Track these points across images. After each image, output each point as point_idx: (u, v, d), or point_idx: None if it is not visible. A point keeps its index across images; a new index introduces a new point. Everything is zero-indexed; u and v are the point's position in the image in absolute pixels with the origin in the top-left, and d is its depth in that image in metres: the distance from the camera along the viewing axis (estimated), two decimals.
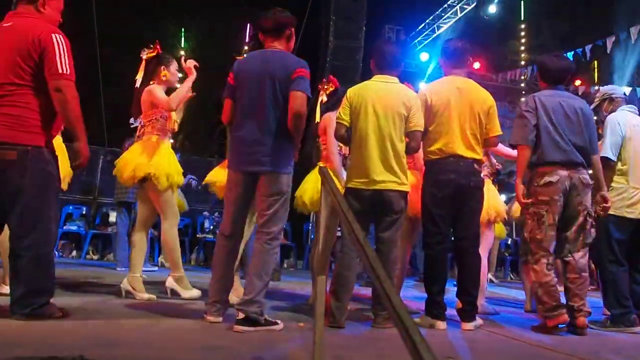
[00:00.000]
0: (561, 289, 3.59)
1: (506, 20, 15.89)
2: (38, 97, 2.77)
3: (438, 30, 13.81)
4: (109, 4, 12.67)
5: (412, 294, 5.35)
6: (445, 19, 13.54)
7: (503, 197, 5.15)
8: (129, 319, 3.04)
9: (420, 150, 3.59)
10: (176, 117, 4.11)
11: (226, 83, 3.19)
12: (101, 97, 10.62)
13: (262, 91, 3.00)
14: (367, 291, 4.61)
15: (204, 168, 10.37)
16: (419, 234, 4.15)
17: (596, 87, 12.26)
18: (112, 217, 8.95)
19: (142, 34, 13.20)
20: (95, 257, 8.78)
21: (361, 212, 3.19)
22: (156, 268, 6.83)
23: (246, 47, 13.74)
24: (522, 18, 16.77)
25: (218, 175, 4.04)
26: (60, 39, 2.78)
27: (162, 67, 4.05)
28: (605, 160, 3.84)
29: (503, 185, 6.79)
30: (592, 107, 4.16)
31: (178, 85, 4.11)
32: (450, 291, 3.67)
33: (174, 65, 4.12)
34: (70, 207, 9.21)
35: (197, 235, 9.40)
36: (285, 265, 9.40)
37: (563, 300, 3.49)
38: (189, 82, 3.90)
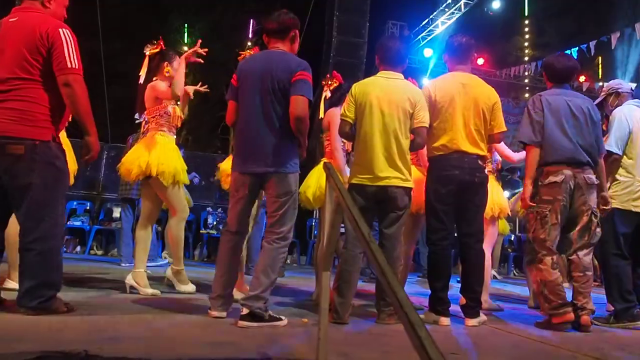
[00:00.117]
0: (566, 285, 3.59)
1: (510, 16, 15.85)
2: (45, 91, 2.78)
3: (442, 26, 13.77)
4: None
5: (416, 290, 5.35)
6: (448, 15, 13.50)
7: (506, 194, 5.15)
8: (134, 314, 3.05)
9: (424, 149, 3.59)
10: (180, 112, 4.11)
11: (229, 84, 3.20)
12: (104, 93, 10.63)
13: (264, 92, 3.00)
14: (370, 287, 4.61)
15: (207, 164, 10.41)
16: (422, 230, 4.14)
17: (600, 84, 12.24)
18: (116, 212, 8.98)
19: (147, 29, 13.21)
20: (99, 253, 8.82)
21: (365, 208, 3.19)
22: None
23: (249, 43, 13.75)
24: (526, 14, 16.73)
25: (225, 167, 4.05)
26: (67, 33, 2.79)
27: (165, 63, 4.05)
28: (610, 154, 3.83)
29: (507, 181, 6.78)
30: (597, 101, 4.15)
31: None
32: (454, 287, 3.67)
33: (177, 61, 4.11)
34: (74, 203, 9.25)
35: (201, 231, 9.42)
36: (288, 261, 9.42)
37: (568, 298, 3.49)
38: (182, 67, 3.86)
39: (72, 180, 3.67)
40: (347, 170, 3.79)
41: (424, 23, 14.25)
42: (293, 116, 2.93)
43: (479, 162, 3.46)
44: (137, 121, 4.14)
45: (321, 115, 4.28)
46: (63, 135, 3.38)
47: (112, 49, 11.38)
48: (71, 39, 2.80)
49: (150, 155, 3.79)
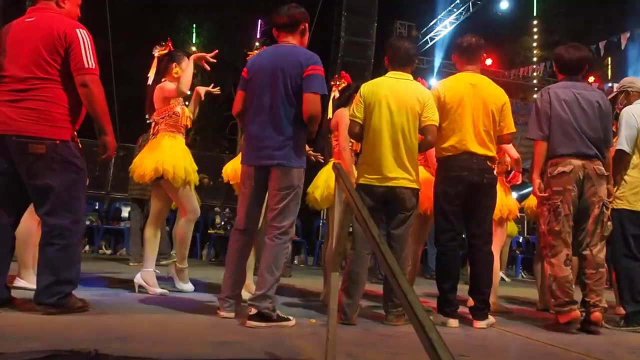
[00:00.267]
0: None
1: (518, 16, 15.78)
2: (63, 91, 2.82)
3: (450, 26, 13.73)
4: None
5: (424, 292, 5.34)
6: (457, 15, 13.46)
7: (514, 195, 5.13)
8: (143, 314, 3.06)
9: (432, 150, 3.58)
10: (189, 113, 4.12)
11: (240, 77, 3.21)
12: (113, 93, 10.68)
13: (274, 86, 3.01)
14: (378, 288, 4.60)
15: (215, 163, 10.42)
16: (430, 231, 4.13)
17: (610, 84, 12.16)
18: (125, 212, 9.02)
19: (156, 28, 13.26)
20: (107, 252, 8.86)
21: (373, 208, 3.18)
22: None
23: (257, 43, 13.77)
24: (535, 14, 16.65)
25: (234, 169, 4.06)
26: (84, 34, 2.83)
27: (174, 64, 4.07)
28: (621, 153, 3.81)
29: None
30: (610, 97, 4.14)
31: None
32: (463, 289, 3.66)
33: (185, 62, 4.12)
34: None
35: (208, 231, 9.44)
36: (296, 262, 9.42)
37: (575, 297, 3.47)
38: (190, 66, 3.88)
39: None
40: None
41: (432, 23, 14.21)
42: (307, 115, 2.95)
43: (488, 163, 3.45)
44: (148, 121, 4.15)
45: (329, 115, 4.28)
46: None
47: (119, 49, 11.43)
48: (88, 39, 2.84)
49: (160, 156, 3.81)
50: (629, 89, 4.11)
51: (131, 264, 6.50)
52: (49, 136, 2.74)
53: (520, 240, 10.80)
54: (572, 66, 3.71)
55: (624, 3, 13.96)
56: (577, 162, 3.47)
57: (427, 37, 14.37)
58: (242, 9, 15.69)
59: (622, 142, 3.83)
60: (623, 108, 4.02)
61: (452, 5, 13.44)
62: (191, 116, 4.15)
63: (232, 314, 3.02)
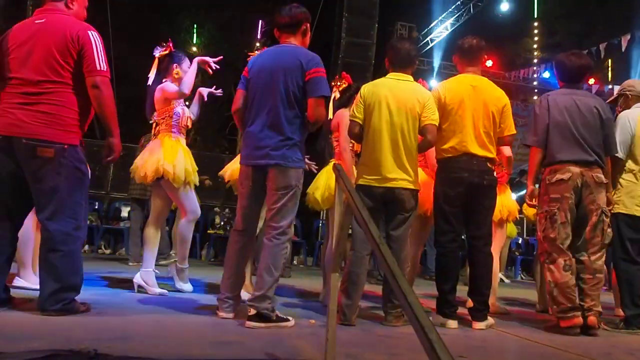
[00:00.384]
0: None
1: (519, 18, 15.79)
2: (74, 95, 2.82)
3: (451, 27, 13.74)
4: None
5: (423, 292, 5.34)
6: (457, 17, 13.47)
7: (514, 196, 5.13)
8: (142, 314, 3.06)
9: (432, 148, 3.58)
10: (189, 113, 4.13)
11: (241, 76, 3.21)
12: (115, 93, 10.68)
13: (274, 86, 3.01)
14: (377, 289, 4.61)
15: (215, 164, 10.42)
16: (430, 232, 4.13)
17: (610, 86, 12.17)
18: (124, 212, 9.02)
19: (156, 29, 13.25)
20: (107, 252, 8.86)
21: (372, 209, 3.18)
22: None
23: (258, 44, 13.77)
24: (535, 16, 16.65)
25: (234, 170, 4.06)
26: (96, 36, 2.85)
27: (174, 65, 4.07)
28: (615, 158, 3.81)
29: (516, 184, 6.76)
30: (610, 100, 4.14)
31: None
32: (462, 290, 3.66)
33: (186, 63, 4.13)
34: None
35: (208, 231, 9.44)
36: (295, 262, 9.42)
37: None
38: (194, 68, 3.90)
39: None
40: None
41: (432, 25, 14.22)
42: (312, 119, 2.99)
43: (488, 164, 3.46)
44: (150, 122, 4.16)
45: (330, 116, 4.28)
46: None
47: (120, 49, 11.44)
48: (99, 41, 2.85)
49: (161, 157, 3.81)
50: (627, 93, 4.11)
51: (130, 263, 6.50)
52: (59, 140, 2.75)
53: (520, 241, 10.80)
54: (573, 74, 3.71)
55: (625, 5, 13.97)
56: (576, 170, 3.47)
57: (428, 39, 14.38)
58: (243, 9, 15.69)
59: (616, 148, 3.84)
60: (621, 112, 4.03)
61: (452, 7, 13.45)
62: (192, 117, 4.16)
63: (231, 315, 3.02)
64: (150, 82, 4.06)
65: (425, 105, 3.33)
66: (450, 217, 3.42)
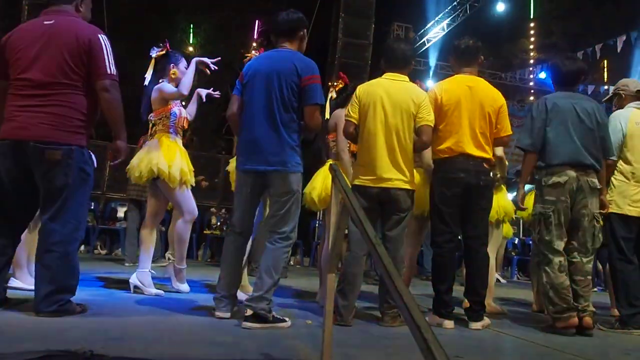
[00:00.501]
0: None
1: (515, 18, 15.83)
2: (82, 97, 2.82)
3: (447, 28, 13.77)
4: None
5: (420, 293, 5.35)
6: (454, 17, 13.50)
7: (510, 197, 5.14)
8: (138, 314, 3.06)
9: (428, 151, 3.59)
10: (186, 114, 4.13)
11: (237, 82, 3.21)
12: None
13: (270, 91, 3.01)
14: (373, 289, 4.61)
15: (211, 164, 10.43)
16: (426, 232, 4.14)
17: (605, 87, 12.20)
18: (121, 212, 9.01)
19: (152, 29, 13.23)
20: (103, 252, 8.85)
21: (368, 209, 3.18)
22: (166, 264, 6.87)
23: (254, 44, 13.76)
24: (532, 17, 16.70)
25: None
26: (105, 39, 2.86)
27: (171, 65, 4.07)
28: (610, 161, 3.83)
29: (512, 184, 6.76)
30: (606, 98, 4.16)
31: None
32: (458, 290, 3.66)
33: (183, 63, 4.13)
34: None
35: (204, 232, 9.43)
36: (292, 263, 9.43)
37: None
38: (192, 69, 3.90)
39: None
40: None
41: (429, 25, 14.25)
42: (308, 127, 3.01)
43: (485, 165, 3.46)
44: (144, 121, 4.15)
45: (327, 116, 4.29)
46: None
47: (117, 49, 11.40)
48: (108, 45, 2.86)
49: (157, 157, 3.81)
50: (621, 92, 4.13)
51: (127, 264, 6.49)
52: (67, 142, 2.75)
53: (516, 241, 10.83)
54: (568, 78, 3.73)
55: (621, 6, 14.02)
56: (572, 174, 3.48)
57: (424, 39, 14.41)
58: (240, 9, 15.69)
59: None
60: (615, 111, 4.05)
61: (449, 8, 13.48)
62: (188, 117, 4.16)
63: (228, 315, 3.01)
64: (147, 82, 4.06)
65: (421, 105, 3.33)
66: (446, 217, 3.43)
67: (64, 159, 2.73)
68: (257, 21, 14.84)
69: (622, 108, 4.05)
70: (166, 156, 3.82)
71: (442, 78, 3.99)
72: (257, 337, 2.59)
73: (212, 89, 4.44)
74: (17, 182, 2.78)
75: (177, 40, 15.04)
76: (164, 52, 4.11)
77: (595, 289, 5.92)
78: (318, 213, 8.08)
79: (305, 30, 3.21)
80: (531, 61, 16.40)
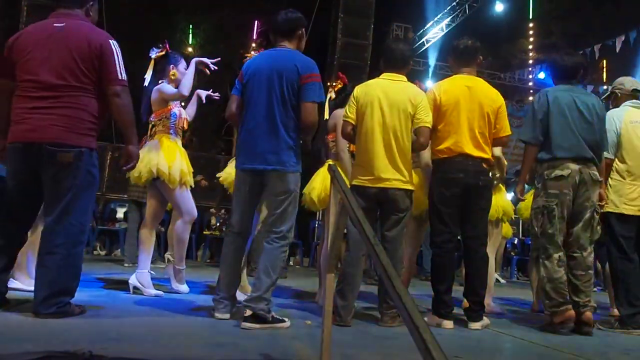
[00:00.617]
0: None
1: (514, 19, 15.84)
2: (92, 100, 2.83)
3: (446, 28, 13.77)
4: None
5: (419, 293, 5.35)
6: (453, 17, 13.50)
7: (509, 196, 5.15)
8: (137, 315, 3.06)
9: (426, 150, 3.60)
10: (186, 115, 4.13)
11: (236, 81, 3.21)
12: None
13: (270, 90, 3.01)
14: (373, 289, 4.61)
15: (211, 165, 10.43)
16: (426, 232, 4.14)
17: (605, 87, 12.20)
18: (120, 213, 9.01)
19: (151, 29, 13.21)
20: (102, 253, 8.84)
21: (367, 209, 3.18)
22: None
23: (254, 44, 13.76)
24: (531, 17, 16.70)
25: (229, 173, 4.06)
26: (116, 45, 2.87)
27: (171, 66, 4.07)
28: (606, 157, 3.84)
29: (511, 184, 6.77)
30: (604, 96, 4.17)
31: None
32: (458, 290, 3.67)
33: (182, 64, 4.13)
34: None
35: (204, 232, 9.43)
36: (291, 263, 9.42)
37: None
38: (192, 69, 3.91)
39: None
40: None
41: (428, 25, 14.25)
42: (305, 124, 2.98)
43: (484, 165, 3.46)
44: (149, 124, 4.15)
45: (326, 116, 4.29)
46: None
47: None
48: (119, 50, 2.87)
49: (156, 157, 3.81)
50: (617, 91, 4.15)
51: (126, 264, 6.49)
52: (77, 144, 2.75)
53: (515, 241, 10.83)
54: (567, 72, 3.74)
55: (620, 6, 14.03)
56: (575, 167, 3.49)
57: (424, 39, 14.41)
58: (239, 9, 15.67)
59: None
60: (611, 110, 4.06)
61: (448, 8, 13.48)
62: (188, 118, 4.16)
63: (227, 315, 3.01)
64: (146, 83, 4.06)
65: (419, 106, 3.33)
66: (445, 217, 3.43)
67: (74, 162, 2.73)
68: (256, 21, 14.86)
69: (618, 106, 4.07)
70: (166, 157, 3.82)
71: (441, 78, 3.99)
72: (257, 337, 2.59)
73: (211, 90, 4.44)
74: (24, 183, 2.78)
75: (177, 41, 15.03)
76: (163, 52, 4.11)
77: (595, 289, 5.92)
78: (317, 213, 8.08)
79: (303, 30, 3.22)
80: (530, 61, 16.40)
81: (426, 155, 3.69)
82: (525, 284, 8.02)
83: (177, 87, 3.95)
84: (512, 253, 10.41)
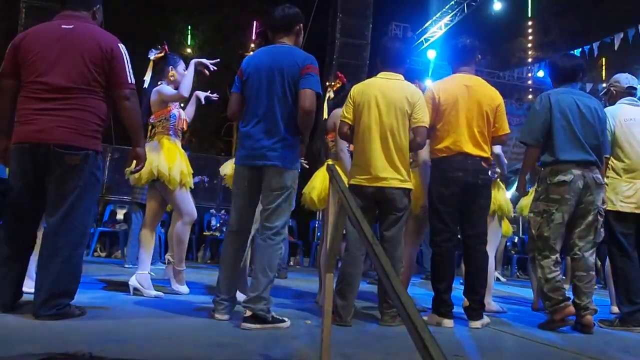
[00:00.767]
0: (566, 286, 3.59)
1: (513, 17, 15.84)
2: (100, 102, 2.84)
3: (445, 27, 13.77)
4: None
5: (419, 292, 5.35)
6: (451, 17, 13.50)
7: (509, 195, 5.15)
8: (137, 316, 3.05)
9: (425, 148, 3.60)
10: (185, 116, 4.13)
11: (235, 78, 3.21)
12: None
13: (270, 86, 3.01)
14: (373, 289, 4.61)
15: (210, 165, 10.42)
16: (426, 231, 4.14)
17: (604, 85, 12.20)
18: (120, 214, 9.00)
19: (150, 30, 13.20)
20: (102, 255, 8.84)
21: (365, 208, 3.18)
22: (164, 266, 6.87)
23: (252, 45, 13.78)
24: (530, 15, 16.70)
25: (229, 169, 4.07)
26: (124, 49, 2.88)
27: (170, 68, 4.08)
28: (606, 158, 3.84)
29: (511, 182, 6.77)
30: (602, 92, 4.17)
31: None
32: (457, 289, 3.67)
33: (181, 65, 4.14)
34: None
35: (204, 233, 9.43)
36: (291, 263, 9.42)
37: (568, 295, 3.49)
38: (191, 70, 3.91)
39: None
40: None
41: (427, 24, 14.24)
42: (302, 110, 2.94)
43: (483, 163, 3.46)
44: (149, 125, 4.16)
45: (325, 116, 4.29)
46: None
47: None
48: (127, 54, 2.88)
49: (156, 159, 3.81)
50: (612, 89, 4.16)
51: (127, 265, 6.48)
52: (85, 146, 2.76)
53: (516, 240, 10.83)
54: (567, 74, 3.75)
55: (618, 3, 14.03)
56: (577, 172, 3.49)
57: (422, 38, 14.40)
58: (237, 10, 15.68)
59: None
60: (607, 108, 4.06)
61: (446, 7, 13.48)
62: (187, 119, 4.16)
63: (227, 316, 3.01)
64: (146, 85, 4.06)
65: (416, 105, 3.32)
66: (445, 216, 3.43)
67: (80, 164, 2.74)
68: (255, 22, 14.87)
69: (614, 104, 4.07)
70: (167, 158, 3.83)
71: (440, 77, 3.99)
72: (257, 337, 2.59)
73: (209, 91, 4.45)
74: (29, 184, 2.78)
75: (175, 42, 15.03)
76: (162, 54, 4.12)
77: (595, 286, 5.92)
78: (318, 213, 8.08)
79: (301, 25, 3.22)
80: (529, 60, 16.40)
81: (424, 152, 3.70)
82: (526, 282, 8.03)
83: (176, 89, 3.95)
84: (512, 251, 10.41)
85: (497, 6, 13.44)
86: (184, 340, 2.47)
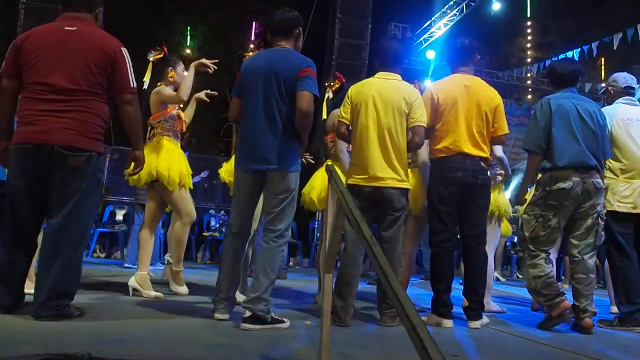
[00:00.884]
0: (565, 286, 3.59)
1: (512, 17, 15.85)
2: (102, 104, 2.84)
3: (444, 27, 13.78)
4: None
5: (418, 292, 5.35)
6: (451, 17, 13.51)
7: (508, 195, 5.15)
8: (137, 317, 3.05)
9: (423, 148, 3.60)
10: (185, 117, 4.13)
11: (234, 82, 3.21)
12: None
13: (268, 89, 3.01)
14: (372, 289, 4.61)
15: (210, 166, 10.41)
16: (425, 231, 4.14)
17: (602, 85, 12.22)
18: (119, 215, 9.01)
19: (149, 31, 13.20)
20: (102, 255, 8.84)
21: (362, 208, 3.16)
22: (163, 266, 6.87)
23: (252, 45, 13.77)
24: (528, 15, 16.72)
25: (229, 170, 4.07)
26: (126, 53, 2.88)
27: (169, 69, 4.08)
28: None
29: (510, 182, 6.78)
30: (600, 93, 4.18)
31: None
32: (457, 289, 3.67)
33: (180, 67, 4.14)
34: None
35: (203, 233, 9.44)
36: (291, 263, 9.42)
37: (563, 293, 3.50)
38: (191, 73, 3.92)
39: None
40: None
41: (426, 25, 14.25)
42: (299, 111, 2.94)
43: (482, 164, 3.47)
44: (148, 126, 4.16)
45: (324, 116, 4.29)
46: None
47: None
48: (129, 57, 2.89)
49: (156, 160, 3.81)
50: (610, 89, 4.16)
51: (126, 265, 6.49)
52: (88, 148, 2.76)
53: (515, 240, 10.83)
54: (565, 79, 3.76)
55: (617, 3, 14.04)
56: (577, 178, 3.49)
57: (422, 39, 14.41)
58: (237, 10, 15.68)
59: None
60: (604, 107, 4.07)
61: (446, 7, 13.49)
62: (186, 120, 4.16)
63: (227, 317, 3.01)
64: (145, 86, 4.06)
65: (413, 104, 3.32)
66: (444, 216, 3.43)
67: (83, 165, 2.74)
68: (254, 23, 14.87)
69: (611, 104, 4.07)
70: (166, 159, 3.83)
71: (440, 77, 3.99)
72: (256, 338, 2.59)
73: (209, 89, 4.45)
74: (30, 185, 2.77)
75: (175, 43, 15.03)
76: (161, 55, 4.12)
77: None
78: (317, 213, 8.09)
79: (300, 29, 3.22)
80: (528, 60, 16.42)
81: (423, 153, 3.69)
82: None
83: (175, 90, 3.95)
84: (511, 251, 10.41)
85: (496, 6, 13.46)
86: (183, 341, 2.47)
